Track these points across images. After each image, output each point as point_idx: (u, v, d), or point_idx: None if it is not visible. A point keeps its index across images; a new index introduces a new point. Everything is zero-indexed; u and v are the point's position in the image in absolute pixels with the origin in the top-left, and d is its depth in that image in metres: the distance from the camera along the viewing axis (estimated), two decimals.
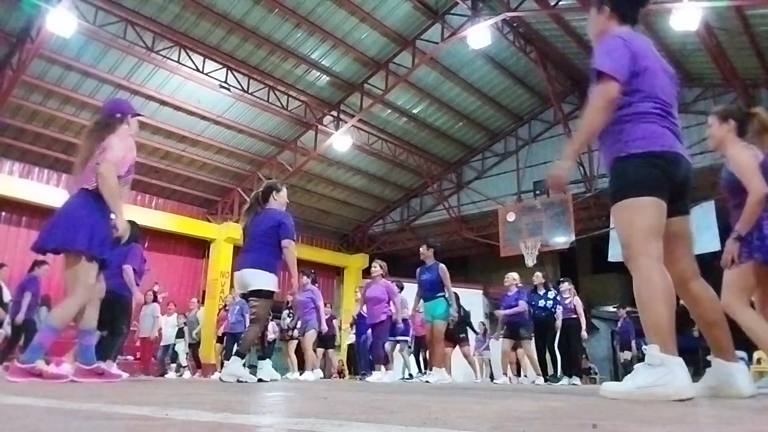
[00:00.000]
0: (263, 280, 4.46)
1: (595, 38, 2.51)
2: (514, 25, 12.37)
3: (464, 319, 9.71)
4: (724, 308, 2.78)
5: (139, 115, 3.69)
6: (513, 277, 8.42)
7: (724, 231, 10.71)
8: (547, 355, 8.54)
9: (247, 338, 4.51)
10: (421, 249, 6.97)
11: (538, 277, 8.46)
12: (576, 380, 7.93)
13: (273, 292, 4.53)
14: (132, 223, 6.41)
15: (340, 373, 12.01)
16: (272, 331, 11.03)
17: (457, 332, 9.32)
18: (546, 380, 8.06)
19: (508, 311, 8.22)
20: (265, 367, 4.88)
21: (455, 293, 8.98)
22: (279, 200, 4.84)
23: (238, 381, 4.28)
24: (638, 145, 2.19)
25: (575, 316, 8.26)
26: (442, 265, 6.72)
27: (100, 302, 5.89)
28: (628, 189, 2.18)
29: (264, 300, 4.47)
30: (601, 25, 2.46)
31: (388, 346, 8.55)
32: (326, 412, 1.42)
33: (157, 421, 1.19)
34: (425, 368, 9.38)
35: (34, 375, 3.01)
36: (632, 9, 2.47)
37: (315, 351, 8.32)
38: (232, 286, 9.10)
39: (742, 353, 9.64)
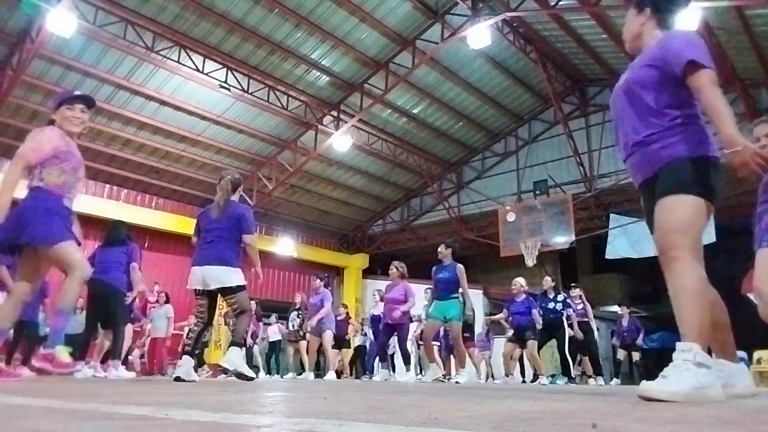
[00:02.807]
0: (233, 277, 4.38)
1: (631, 39, 2.48)
2: (514, 25, 12.38)
3: (471, 320, 9.80)
4: (758, 290, 2.78)
5: (67, 101, 3.45)
6: (520, 283, 8.40)
7: (723, 229, 10.75)
8: (547, 356, 8.65)
9: (240, 328, 4.53)
10: (439, 248, 6.99)
11: (547, 282, 8.71)
12: (600, 380, 8.54)
13: (244, 285, 4.47)
14: (122, 223, 6.48)
15: (340, 373, 12.03)
16: (278, 332, 11.08)
17: (464, 332, 9.38)
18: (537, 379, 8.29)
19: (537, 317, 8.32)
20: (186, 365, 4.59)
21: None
22: (239, 194, 4.80)
23: (237, 374, 4.36)
24: (709, 149, 2.16)
25: (586, 319, 8.75)
26: (460, 266, 6.75)
27: (96, 299, 5.91)
28: (697, 187, 2.11)
29: (242, 293, 4.43)
30: (639, 26, 2.43)
31: (412, 347, 8.67)
32: (326, 412, 1.42)
33: (157, 421, 1.19)
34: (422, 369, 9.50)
35: (48, 360, 3.17)
36: (671, 15, 2.43)
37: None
38: None
39: (742, 353, 9.66)
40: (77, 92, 3.60)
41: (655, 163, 2.23)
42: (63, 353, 3.19)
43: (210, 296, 4.50)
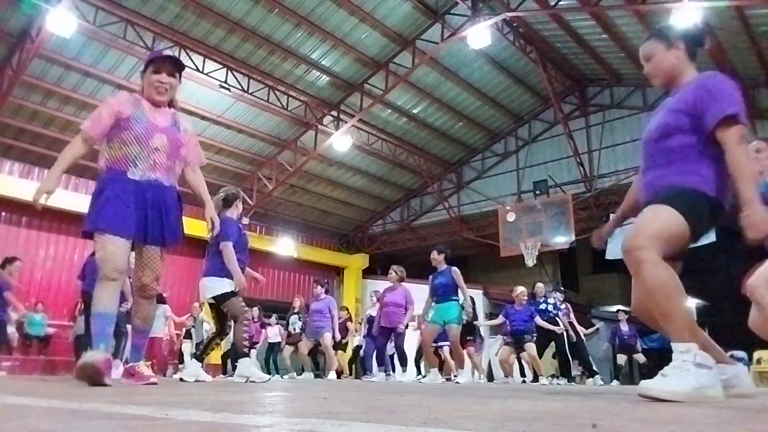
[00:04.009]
0: (218, 287, 4.62)
1: (666, 75, 2.43)
2: (514, 25, 12.38)
3: (473, 321, 9.80)
4: (750, 291, 2.77)
5: (152, 63, 3.04)
6: (524, 291, 8.43)
7: (723, 229, 10.79)
8: (546, 356, 8.70)
9: (237, 339, 4.71)
10: (432, 255, 6.99)
11: (540, 289, 8.74)
12: (599, 379, 8.64)
13: (233, 291, 4.65)
14: None
15: (340, 373, 12.04)
16: (278, 333, 11.10)
17: (466, 333, 9.37)
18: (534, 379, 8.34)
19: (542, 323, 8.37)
20: (192, 367, 4.71)
21: (471, 297, 9.09)
22: (239, 209, 4.91)
23: (249, 381, 4.48)
24: (713, 189, 2.15)
25: (570, 320, 8.88)
26: (455, 268, 6.76)
27: (89, 311, 5.88)
28: (685, 208, 2.10)
29: (230, 300, 4.62)
30: (676, 60, 2.40)
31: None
32: (326, 412, 1.42)
33: (157, 421, 1.19)
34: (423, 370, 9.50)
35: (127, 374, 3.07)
36: (698, 48, 2.44)
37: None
38: None
39: (741, 353, 9.67)
40: (166, 52, 3.10)
41: (658, 191, 2.22)
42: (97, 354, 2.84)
43: (215, 308, 4.74)
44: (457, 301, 6.69)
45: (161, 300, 9.85)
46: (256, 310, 10.26)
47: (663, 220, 2.11)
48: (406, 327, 7.82)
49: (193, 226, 14.96)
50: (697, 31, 2.48)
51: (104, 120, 2.86)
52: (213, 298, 4.65)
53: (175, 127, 3.03)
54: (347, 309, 11.58)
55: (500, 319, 8.71)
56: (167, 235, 2.95)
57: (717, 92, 2.18)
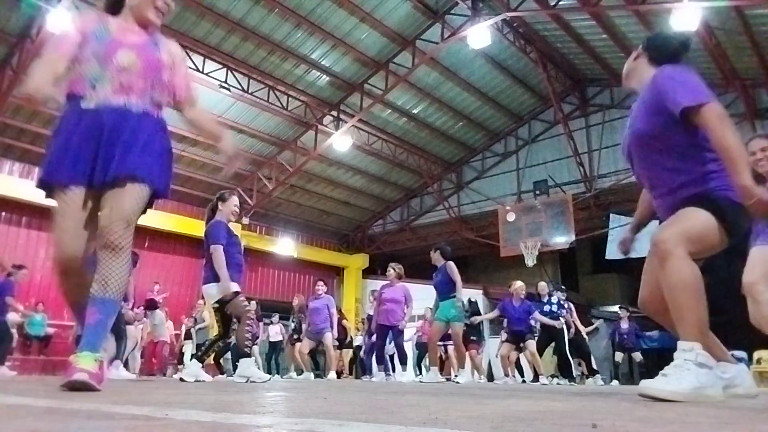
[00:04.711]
0: (216, 292, 4.68)
1: (625, 75, 2.44)
2: (514, 25, 12.38)
3: (471, 317, 9.80)
4: (746, 287, 2.77)
5: None
6: (522, 286, 8.37)
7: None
8: (546, 356, 8.69)
9: (239, 338, 4.71)
10: (431, 254, 7.03)
11: (543, 288, 8.72)
12: (599, 379, 8.68)
13: (234, 292, 4.69)
14: None
15: (340, 373, 12.04)
16: (280, 333, 11.13)
17: (470, 334, 9.38)
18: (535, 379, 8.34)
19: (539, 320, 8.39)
20: (192, 368, 4.75)
21: (474, 299, 9.08)
22: (224, 210, 4.86)
23: (249, 381, 4.48)
24: (729, 189, 2.08)
25: (572, 319, 8.82)
26: (449, 263, 6.79)
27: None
28: (721, 213, 2.05)
29: (231, 302, 4.66)
30: (632, 61, 2.41)
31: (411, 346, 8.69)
32: (326, 412, 1.42)
33: (157, 421, 1.19)
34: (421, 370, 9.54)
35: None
36: (664, 55, 2.35)
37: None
38: None
39: (742, 353, 9.63)
40: None
41: (680, 204, 2.16)
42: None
43: (219, 311, 4.78)
44: (456, 297, 6.70)
45: (154, 306, 9.79)
46: (254, 304, 10.30)
47: (698, 221, 2.07)
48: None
49: (192, 226, 14.91)
50: (670, 38, 2.42)
51: (72, 38, 2.22)
52: (216, 302, 4.70)
53: (152, 46, 2.36)
54: (340, 310, 11.56)
55: (495, 313, 8.66)
56: (128, 165, 2.16)
57: (673, 84, 2.13)
